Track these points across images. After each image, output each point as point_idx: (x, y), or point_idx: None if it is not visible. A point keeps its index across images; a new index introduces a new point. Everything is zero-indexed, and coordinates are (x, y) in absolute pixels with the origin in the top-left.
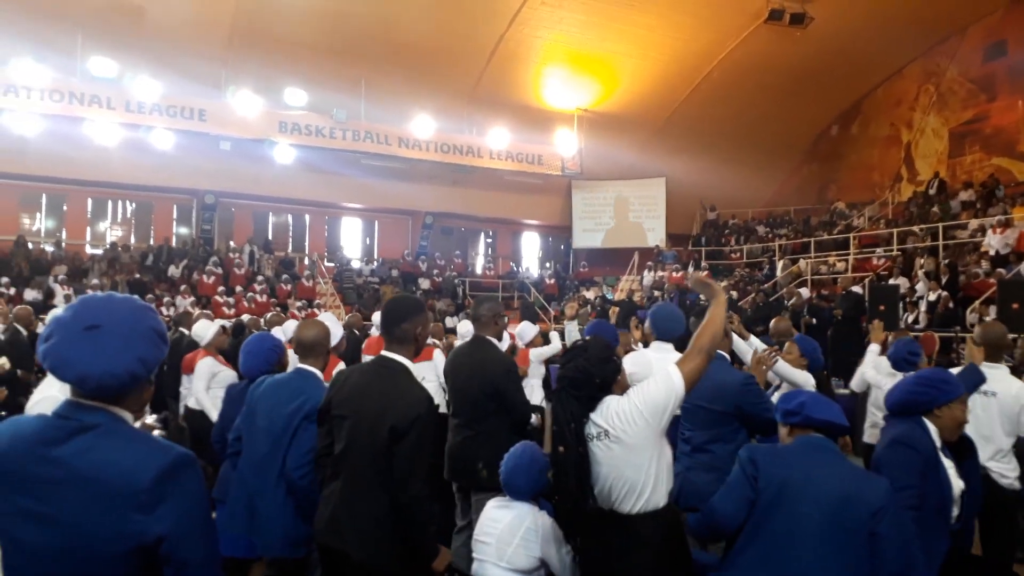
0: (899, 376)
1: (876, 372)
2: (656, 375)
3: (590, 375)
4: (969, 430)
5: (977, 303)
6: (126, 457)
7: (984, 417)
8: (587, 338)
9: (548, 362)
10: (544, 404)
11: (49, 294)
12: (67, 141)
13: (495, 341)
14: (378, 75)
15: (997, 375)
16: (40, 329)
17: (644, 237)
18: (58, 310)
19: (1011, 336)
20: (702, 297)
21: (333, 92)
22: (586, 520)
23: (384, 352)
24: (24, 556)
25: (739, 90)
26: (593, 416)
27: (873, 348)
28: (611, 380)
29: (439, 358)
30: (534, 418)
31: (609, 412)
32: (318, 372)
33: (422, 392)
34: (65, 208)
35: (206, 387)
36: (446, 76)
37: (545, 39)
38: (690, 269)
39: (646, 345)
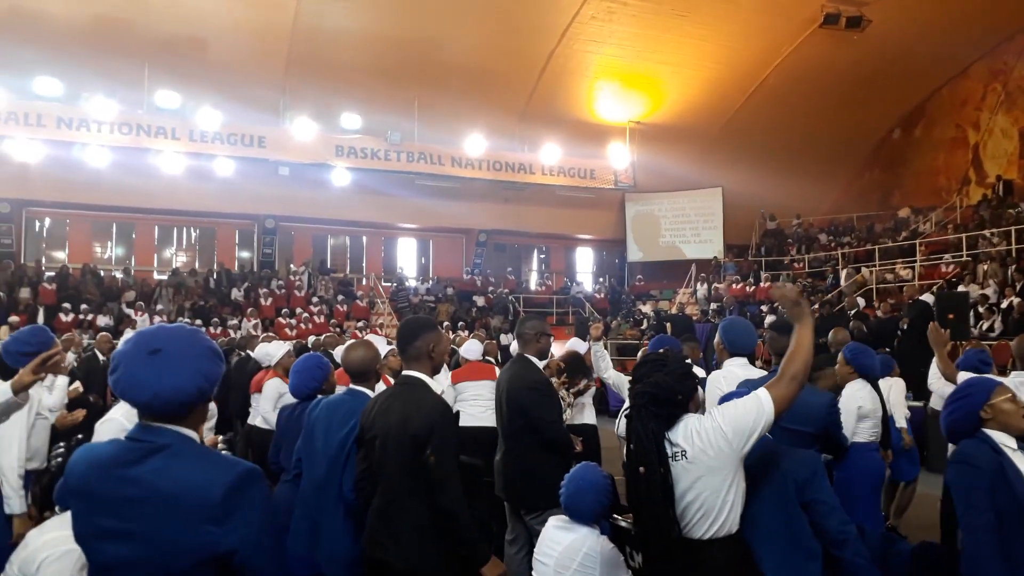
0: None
1: (943, 384)
2: (746, 398)
3: (672, 391)
4: None
5: None
6: (197, 473)
7: None
8: (662, 351)
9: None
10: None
11: (120, 319)
12: (135, 171)
13: (534, 360)
14: (430, 96)
15: None
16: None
17: (702, 249)
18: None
19: None
20: (763, 308)
21: (387, 115)
22: (662, 546)
23: (404, 371)
24: (108, 573)
25: (795, 96)
26: (669, 435)
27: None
28: (691, 396)
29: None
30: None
31: (688, 431)
32: (370, 393)
33: (436, 399)
34: (134, 236)
35: (273, 407)
36: (497, 94)
37: (595, 53)
38: (777, 280)
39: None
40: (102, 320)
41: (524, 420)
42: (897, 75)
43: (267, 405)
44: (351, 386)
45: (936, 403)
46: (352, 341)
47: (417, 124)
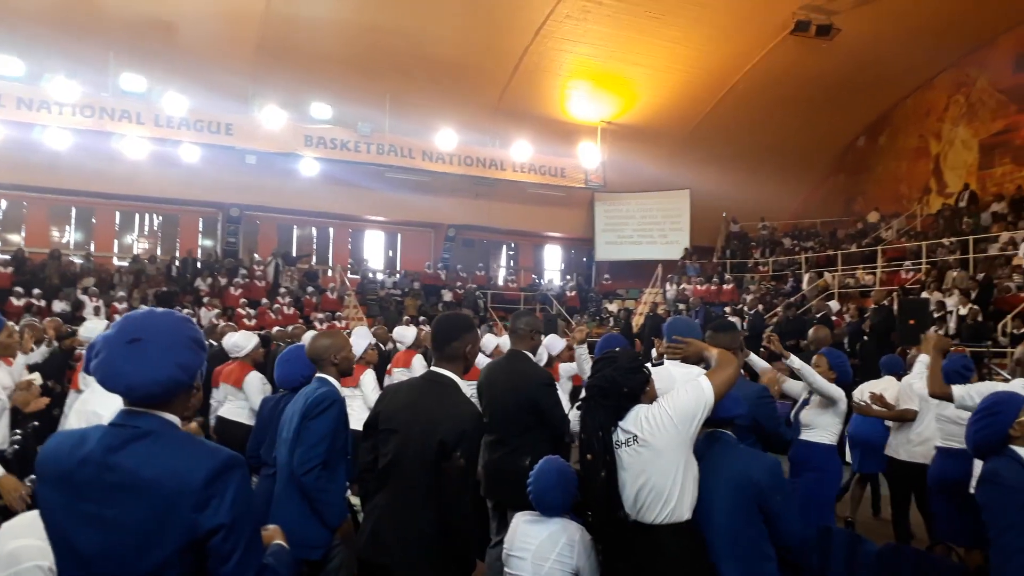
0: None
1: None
2: (687, 384)
3: (618, 384)
4: None
5: (1009, 317)
6: (179, 460)
7: None
8: (616, 349)
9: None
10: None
11: (77, 306)
12: (97, 155)
13: (531, 355)
14: (403, 89)
15: None
16: (73, 341)
17: (668, 250)
18: (93, 323)
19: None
20: (726, 309)
21: (358, 106)
22: (613, 530)
23: (434, 368)
24: (83, 560)
25: (765, 102)
26: (621, 424)
27: (923, 359)
28: (639, 390)
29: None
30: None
31: (638, 418)
32: (333, 380)
33: (471, 408)
34: (94, 221)
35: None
36: (470, 89)
37: (569, 52)
38: (741, 283)
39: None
40: (58, 306)
41: (535, 417)
42: (864, 84)
43: (256, 398)
44: (319, 374)
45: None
46: (320, 331)
47: (388, 116)
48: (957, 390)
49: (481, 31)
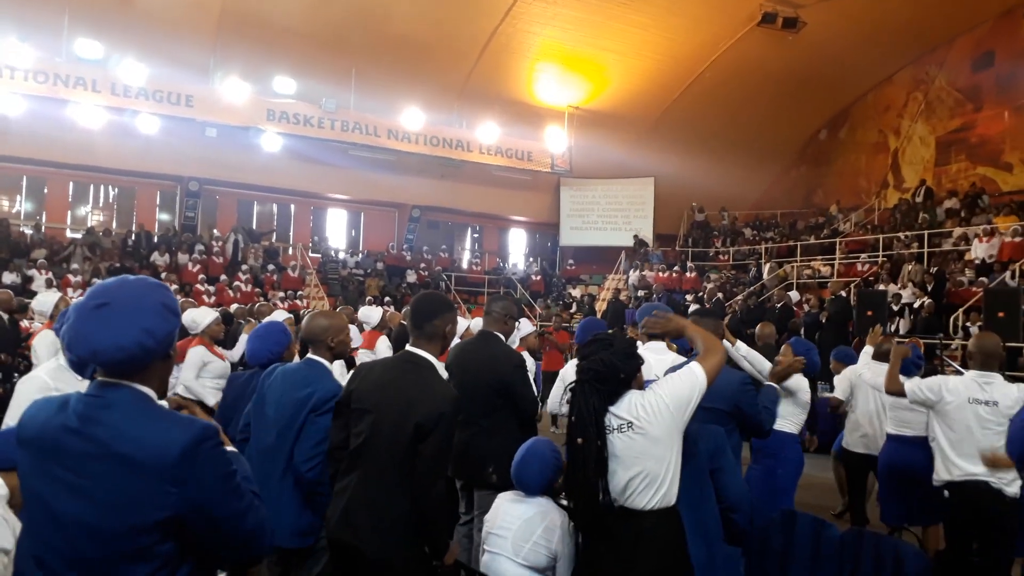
0: (904, 380)
1: (875, 376)
2: (681, 371)
3: (616, 369)
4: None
5: (960, 311)
6: (153, 433)
7: (984, 428)
8: (610, 331)
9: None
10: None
11: (28, 278)
12: (50, 123)
13: (503, 337)
14: (369, 66)
15: (995, 384)
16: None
17: (631, 237)
18: (46, 295)
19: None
20: (688, 297)
21: (323, 81)
22: (597, 515)
23: (411, 348)
24: (59, 524)
25: (730, 92)
26: (613, 409)
27: (868, 351)
28: (634, 376)
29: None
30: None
31: (632, 404)
32: (327, 363)
33: (448, 390)
34: (46, 191)
35: (195, 376)
36: (437, 69)
37: (538, 35)
38: (703, 272)
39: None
40: (8, 278)
41: (505, 399)
42: (827, 77)
43: (189, 374)
44: (308, 355)
45: (843, 392)
46: (317, 311)
47: (354, 93)
48: (908, 384)
49: (450, 10)
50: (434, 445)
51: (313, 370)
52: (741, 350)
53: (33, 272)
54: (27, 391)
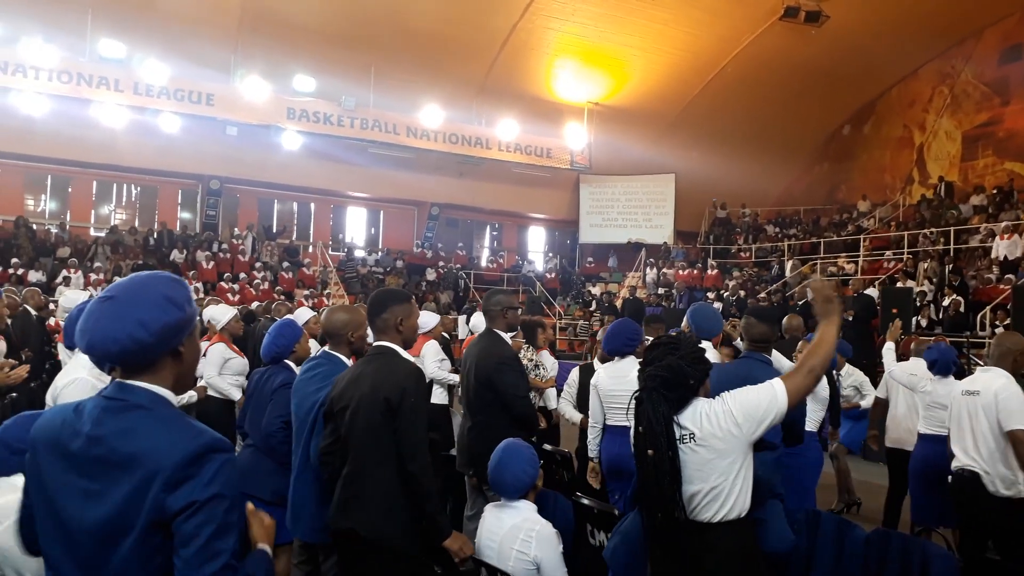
0: (941, 380)
1: (914, 376)
2: (761, 385)
3: (685, 375)
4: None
5: (987, 309)
6: (160, 438)
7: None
8: (673, 333)
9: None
10: (558, 406)
11: (53, 275)
12: (74, 122)
13: (502, 334)
14: (388, 63)
15: (984, 376)
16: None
17: (653, 233)
18: (73, 293)
19: None
20: (709, 295)
21: (342, 79)
22: (668, 530)
23: (373, 342)
24: (66, 530)
25: (752, 87)
26: (679, 418)
27: (889, 346)
28: (703, 381)
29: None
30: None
31: (698, 414)
32: (344, 358)
33: (409, 365)
34: (70, 190)
35: (218, 372)
36: (456, 66)
37: (558, 30)
38: (724, 267)
39: None
40: (34, 276)
41: (493, 395)
42: (851, 72)
43: (211, 370)
44: (326, 349)
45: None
46: (335, 306)
47: (373, 91)
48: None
49: (469, 6)
50: (407, 418)
51: (333, 365)
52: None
53: (67, 273)
54: (72, 393)
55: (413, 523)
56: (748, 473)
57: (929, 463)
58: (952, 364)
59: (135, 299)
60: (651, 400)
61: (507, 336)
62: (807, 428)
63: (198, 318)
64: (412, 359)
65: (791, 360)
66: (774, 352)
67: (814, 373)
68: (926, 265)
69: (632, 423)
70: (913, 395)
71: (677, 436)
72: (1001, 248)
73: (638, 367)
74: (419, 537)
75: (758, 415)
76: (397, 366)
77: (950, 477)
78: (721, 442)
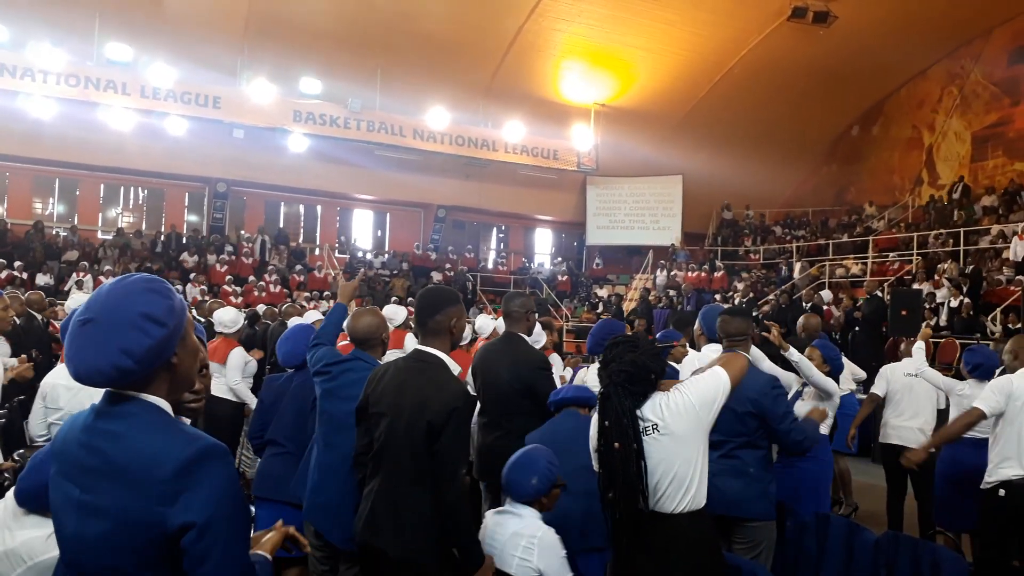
0: (979, 384)
1: (949, 381)
2: (705, 373)
3: (647, 369)
4: None
5: (998, 310)
6: (151, 446)
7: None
8: (629, 333)
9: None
10: None
11: (61, 278)
12: (81, 126)
13: (526, 337)
14: (394, 65)
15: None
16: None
17: (660, 235)
18: (80, 296)
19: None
20: (717, 297)
21: (349, 82)
22: (633, 522)
23: (419, 346)
24: (66, 544)
25: (759, 88)
26: (641, 411)
27: (920, 346)
28: (663, 374)
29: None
30: None
31: (657, 406)
32: (376, 360)
33: (459, 385)
34: (78, 193)
35: (242, 377)
36: (463, 68)
37: (564, 32)
38: (732, 269)
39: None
40: (41, 279)
41: (532, 401)
42: (859, 73)
43: (236, 375)
44: (357, 351)
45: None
46: (359, 309)
47: (379, 93)
48: (984, 406)
49: (475, 8)
50: (448, 442)
51: (370, 368)
52: (793, 356)
53: (78, 277)
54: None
55: (444, 548)
56: (706, 465)
57: (960, 465)
58: (995, 368)
59: (114, 322)
60: (617, 395)
61: (528, 339)
62: (823, 431)
63: (188, 315)
64: (456, 367)
65: (785, 358)
66: (804, 360)
67: (743, 357)
68: (946, 266)
69: (596, 418)
70: (913, 395)
71: (641, 428)
72: (1019, 249)
73: (598, 366)
74: (450, 562)
75: (710, 398)
76: (447, 383)
77: (995, 485)
78: (683, 429)
